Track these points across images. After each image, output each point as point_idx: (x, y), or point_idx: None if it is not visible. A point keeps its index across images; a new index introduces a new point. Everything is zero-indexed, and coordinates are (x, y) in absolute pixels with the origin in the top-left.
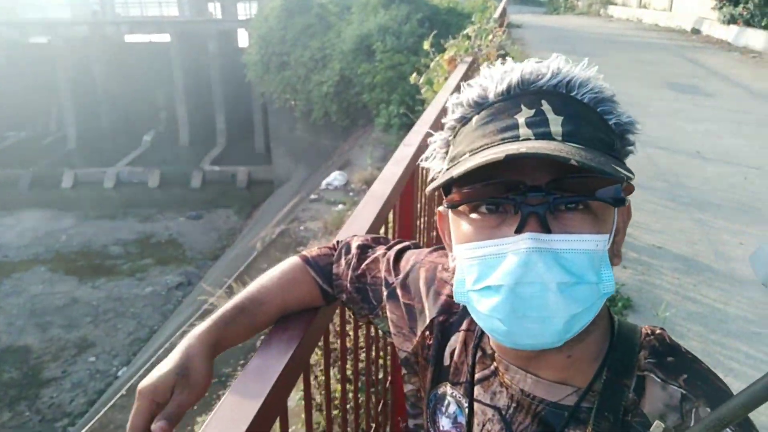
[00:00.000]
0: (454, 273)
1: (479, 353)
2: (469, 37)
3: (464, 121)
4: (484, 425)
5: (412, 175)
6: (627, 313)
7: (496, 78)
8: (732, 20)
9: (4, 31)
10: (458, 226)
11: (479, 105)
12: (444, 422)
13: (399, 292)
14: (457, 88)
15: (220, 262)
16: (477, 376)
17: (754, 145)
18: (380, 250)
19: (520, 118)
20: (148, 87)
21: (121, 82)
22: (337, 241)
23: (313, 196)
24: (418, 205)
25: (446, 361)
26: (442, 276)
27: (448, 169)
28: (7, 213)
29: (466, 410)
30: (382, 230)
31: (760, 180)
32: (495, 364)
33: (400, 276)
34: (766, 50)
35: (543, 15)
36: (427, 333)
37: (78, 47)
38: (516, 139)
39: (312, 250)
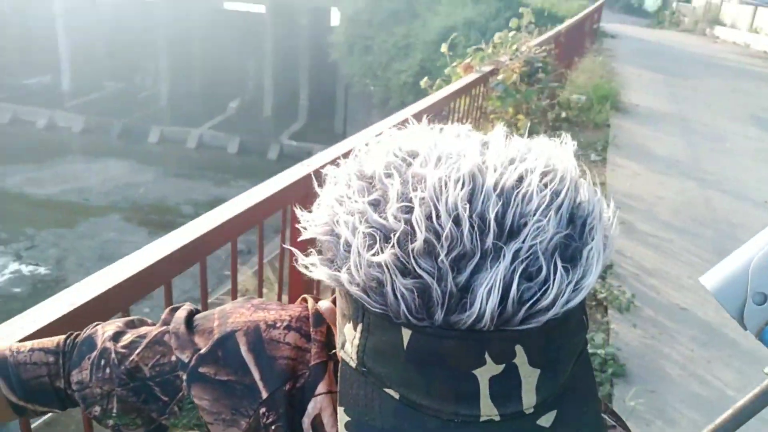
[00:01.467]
0: (289, 322)
1: None
2: (495, 45)
3: (384, 318)
4: None
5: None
6: (616, 383)
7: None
8: None
9: None
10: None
11: (416, 318)
12: None
13: (207, 370)
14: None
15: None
16: None
17: None
18: (154, 330)
19: (482, 378)
20: (239, 55)
21: (215, 47)
22: (61, 341)
23: None
24: None
25: None
26: (270, 336)
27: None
28: (95, 159)
29: None
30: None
31: None
32: None
33: (204, 350)
34: None
35: (644, 27)
36: (264, 410)
37: (179, 10)
38: (475, 420)
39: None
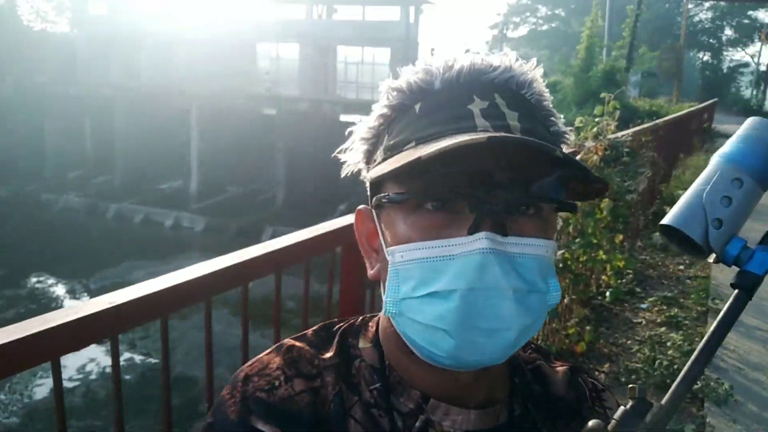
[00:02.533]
0: (262, 370)
1: (391, 421)
2: (577, 128)
3: (403, 108)
4: None
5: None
6: None
7: (442, 64)
8: None
9: (244, 103)
10: (393, 226)
11: (424, 91)
12: None
13: None
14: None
15: None
16: None
17: None
18: None
19: (474, 109)
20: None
21: (329, 155)
22: None
23: None
24: None
25: None
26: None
27: (390, 157)
28: (212, 255)
29: None
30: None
31: None
32: (425, 414)
33: None
34: None
35: None
36: None
37: (298, 120)
38: (473, 129)
39: None
